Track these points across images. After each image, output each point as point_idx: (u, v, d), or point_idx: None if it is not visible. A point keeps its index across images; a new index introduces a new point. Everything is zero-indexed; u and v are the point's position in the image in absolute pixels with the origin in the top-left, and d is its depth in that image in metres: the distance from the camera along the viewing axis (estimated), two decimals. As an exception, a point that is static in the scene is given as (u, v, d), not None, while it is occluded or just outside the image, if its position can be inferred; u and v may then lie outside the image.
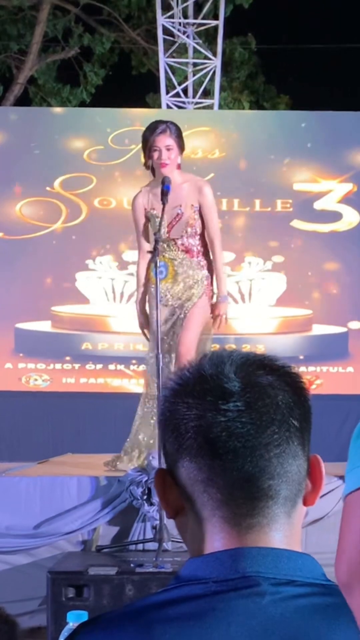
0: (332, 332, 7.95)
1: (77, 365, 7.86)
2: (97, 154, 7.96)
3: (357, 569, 0.71)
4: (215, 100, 9.57)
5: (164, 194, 4.10)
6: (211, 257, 4.40)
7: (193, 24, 9.68)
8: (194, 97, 9.61)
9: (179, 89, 9.49)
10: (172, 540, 3.70)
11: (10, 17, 11.32)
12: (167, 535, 3.68)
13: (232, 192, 7.77)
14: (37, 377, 7.84)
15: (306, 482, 0.94)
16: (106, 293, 7.88)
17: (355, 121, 8.11)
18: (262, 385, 0.92)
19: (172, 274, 4.32)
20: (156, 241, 3.99)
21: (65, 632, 1.61)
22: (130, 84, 11.56)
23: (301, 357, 7.77)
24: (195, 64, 9.74)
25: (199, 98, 9.59)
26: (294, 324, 8.02)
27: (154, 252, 3.95)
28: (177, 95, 9.50)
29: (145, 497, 3.83)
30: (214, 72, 9.55)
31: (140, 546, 3.87)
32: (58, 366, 7.84)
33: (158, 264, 4.06)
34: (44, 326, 7.90)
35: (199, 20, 9.69)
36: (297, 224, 7.96)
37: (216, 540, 0.90)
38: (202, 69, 9.67)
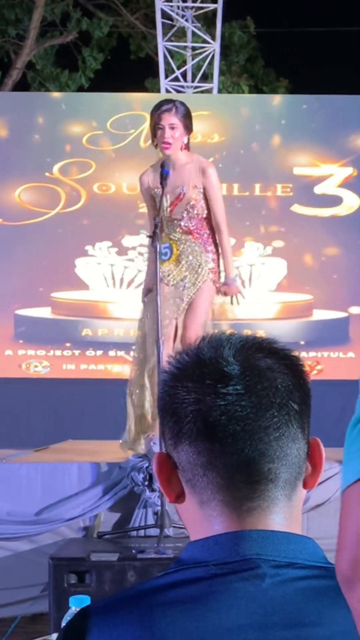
0: (333, 317, 7.94)
1: (77, 352, 7.86)
2: (96, 139, 7.93)
3: None
4: (215, 85, 9.53)
5: (163, 178, 4.07)
6: (217, 241, 4.34)
7: (192, 8, 9.62)
8: (192, 81, 9.56)
9: (177, 73, 9.45)
10: (174, 526, 3.70)
11: (8, 1, 11.25)
12: (168, 521, 3.68)
13: (232, 177, 7.74)
14: (37, 363, 7.84)
15: (306, 465, 0.94)
16: (106, 279, 7.87)
17: (355, 105, 8.07)
18: (261, 369, 0.91)
19: (176, 255, 4.30)
20: (155, 226, 3.95)
21: (67, 617, 1.62)
22: (128, 69, 11.51)
23: (302, 343, 7.76)
24: (194, 48, 9.69)
25: (198, 82, 9.55)
26: (294, 309, 8.01)
27: (154, 237, 3.93)
28: (176, 79, 9.46)
29: (146, 483, 3.83)
30: (213, 56, 9.50)
31: (141, 532, 3.86)
32: (58, 352, 7.84)
33: (162, 246, 4.05)
34: (44, 312, 7.90)
35: (197, 4, 9.62)
36: (297, 208, 7.93)
37: (216, 523, 0.90)
38: (201, 53, 9.62)
